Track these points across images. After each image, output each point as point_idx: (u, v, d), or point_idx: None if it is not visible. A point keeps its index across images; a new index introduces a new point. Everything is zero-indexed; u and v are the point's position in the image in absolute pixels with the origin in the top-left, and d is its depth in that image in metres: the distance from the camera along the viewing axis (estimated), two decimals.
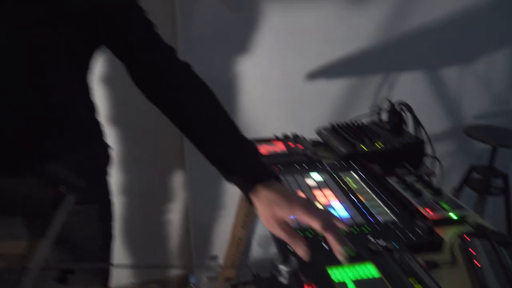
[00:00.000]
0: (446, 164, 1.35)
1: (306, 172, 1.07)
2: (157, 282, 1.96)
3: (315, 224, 0.65)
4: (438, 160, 1.24)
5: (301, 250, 0.65)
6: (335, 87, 1.76)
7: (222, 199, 1.83)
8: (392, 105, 1.29)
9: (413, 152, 1.20)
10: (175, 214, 1.87)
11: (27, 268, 0.62)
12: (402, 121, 1.24)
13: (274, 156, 1.16)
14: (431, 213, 0.89)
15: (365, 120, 1.41)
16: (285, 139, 1.28)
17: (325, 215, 0.68)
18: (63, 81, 0.81)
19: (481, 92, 1.98)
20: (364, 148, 1.18)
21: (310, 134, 1.41)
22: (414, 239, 0.80)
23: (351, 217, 0.87)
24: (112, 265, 1.04)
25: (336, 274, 0.68)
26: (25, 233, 0.84)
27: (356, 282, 0.66)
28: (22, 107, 0.76)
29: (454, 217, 0.89)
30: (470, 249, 0.80)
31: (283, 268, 0.65)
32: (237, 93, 1.66)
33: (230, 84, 1.64)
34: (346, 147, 1.19)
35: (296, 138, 1.28)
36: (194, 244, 1.90)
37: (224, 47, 1.58)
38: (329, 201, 0.94)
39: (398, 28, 1.75)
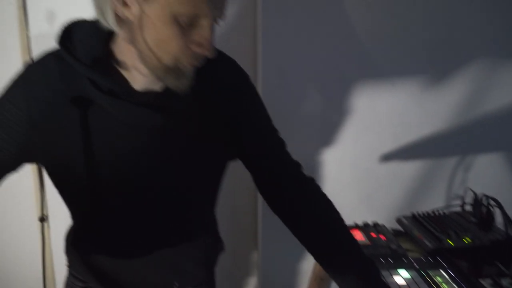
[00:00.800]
0: None
1: (392, 268, 1.05)
2: None
3: None
4: None
5: None
6: (410, 169, 1.74)
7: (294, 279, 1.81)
8: (476, 197, 1.26)
9: (504, 250, 1.14)
10: None
11: None
12: (490, 216, 1.20)
13: None
14: None
15: (447, 211, 1.38)
16: (365, 227, 1.27)
17: None
18: (201, 199, 0.93)
19: None
20: (451, 243, 1.15)
21: (383, 218, 1.39)
22: None
23: None
24: None
25: None
26: None
27: None
28: (160, 217, 0.87)
29: None
30: None
31: None
32: (308, 173, 1.69)
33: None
34: (431, 241, 1.16)
35: (377, 227, 1.27)
36: None
37: (298, 127, 1.64)
38: None
39: (475, 111, 1.74)
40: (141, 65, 0.72)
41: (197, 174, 0.86)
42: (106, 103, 0.74)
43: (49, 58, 0.78)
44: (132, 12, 0.68)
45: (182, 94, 0.75)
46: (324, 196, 0.92)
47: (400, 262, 1.09)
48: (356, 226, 1.29)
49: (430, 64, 1.66)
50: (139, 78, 0.76)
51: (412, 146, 1.73)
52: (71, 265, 0.99)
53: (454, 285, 0.99)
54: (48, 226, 1.60)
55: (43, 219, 1.58)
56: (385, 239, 1.20)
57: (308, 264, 1.72)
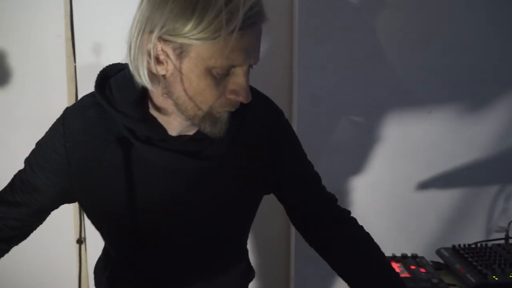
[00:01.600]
0: None
1: None
2: None
3: None
4: None
5: None
6: (447, 199, 1.70)
7: None
8: None
9: None
10: None
11: None
12: None
13: None
14: None
15: (490, 243, 1.33)
16: (404, 259, 1.24)
17: None
18: (236, 233, 0.95)
19: None
20: (496, 279, 1.10)
21: (420, 248, 1.35)
22: None
23: None
24: None
25: None
26: None
27: None
28: (197, 253, 0.89)
29: None
30: None
31: None
32: (342, 203, 1.67)
33: (334, 191, 1.67)
34: (475, 276, 1.11)
35: (416, 259, 1.24)
36: None
37: (333, 155, 1.63)
38: None
39: None
40: (177, 112, 0.74)
41: (234, 212, 0.87)
42: (142, 150, 0.77)
43: (87, 103, 0.81)
44: (166, 68, 0.69)
45: (216, 138, 0.76)
46: (361, 229, 0.93)
47: None
48: (395, 258, 1.26)
49: (467, 91, 1.64)
50: (175, 124, 0.78)
51: (449, 175, 1.69)
52: None
53: None
54: (85, 249, 1.63)
55: (80, 241, 1.62)
56: (425, 272, 1.16)
57: None
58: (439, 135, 1.65)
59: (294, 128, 1.56)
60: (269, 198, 0.95)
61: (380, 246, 1.27)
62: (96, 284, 1.01)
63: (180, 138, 0.80)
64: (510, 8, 1.59)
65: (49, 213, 0.91)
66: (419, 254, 1.27)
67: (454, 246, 1.30)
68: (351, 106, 1.60)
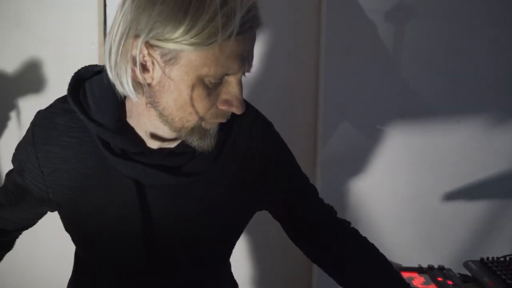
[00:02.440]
0: None
1: None
2: None
3: None
4: None
5: None
6: (474, 210, 1.67)
7: None
8: None
9: None
10: None
11: None
12: None
13: None
14: None
15: None
16: (430, 271, 1.23)
17: None
18: (222, 249, 0.88)
19: None
20: None
21: (446, 260, 1.33)
22: None
23: None
24: None
25: None
26: None
27: None
28: (184, 268, 0.82)
29: None
30: None
31: None
32: (366, 212, 1.67)
33: (358, 203, 1.67)
34: None
35: (443, 271, 1.23)
36: None
37: (357, 165, 1.63)
38: None
39: None
40: (160, 125, 0.68)
41: (217, 230, 0.80)
42: (117, 165, 0.70)
43: (57, 109, 0.74)
44: (152, 76, 0.63)
45: (204, 152, 0.70)
46: (365, 240, 0.88)
47: None
48: (421, 269, 1.25)
49: (495, 101, 1.62)
50: (155, 136, 0.71)
51: (476, 186, 1.67)
52: None
53: None
54: None
55: None
56: (452, 284, 1.15)
57: None
58: (466, 145, 1.63)
59: (319, 136, 1.59)
60: None
61: (405, 257, 1.27)
62: None
63: (160, 151, 0.72)
64: None
65: (40, 218, 0.87)
66: (446, 266, 1.26)
67: (482, 259, 1.28)
68: (377, 115, 1.60)
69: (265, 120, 0.83)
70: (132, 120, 0.71)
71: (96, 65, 0.75)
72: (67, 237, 0.81)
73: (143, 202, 0.73)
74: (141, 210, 0.73)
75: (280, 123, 0.87)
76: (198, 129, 0.66)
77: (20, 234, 0.91)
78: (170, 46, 0.59)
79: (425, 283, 1.17)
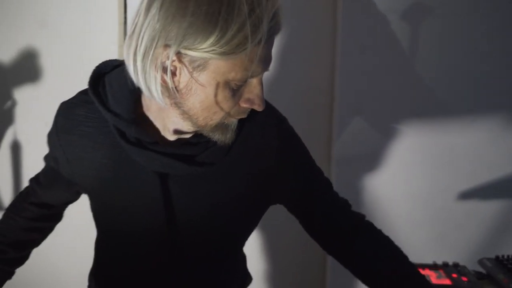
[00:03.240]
0: None
1: None
2: None
3: None
4: None
5: None
6: (488, 210, 1.67)
7: None
8: None
9: None
10: None
11: None
12: None
13: None
14: None
15: None
16: (445, 267, 1.24)
17: None
18: (237, 241, 0.91)
19: None
20: None
21: (460, 259, 1.33)
22: None
23: None
24: None
25: None
26: None
27: None
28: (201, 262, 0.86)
29: None
30: None
31: None
32: (380, 211, 1.67)
33: (372, 202, 1.68)
34: None
35: (457, 268, 1.24)
36: None
37: (371, 164, 1.65)
38: None
39: None
40: (180, 121, 0.70)
41: (229, 221, 0.83)
42: (132, 153, 0.73)
43: (77, 100, 0.79)
44: (179, 80, 0.65)
45: (212, 143, 0.73)
46: (380, 232, 0.89)
47: None
48: (435, 266, 1.26)
49: (510, 101, 1.62)
50: (172, 128, 0.74)
51: (490, 185, 1.66)
52: None
53: None
54: None
55: None
56: (467, 280, 1.16)
57: None
58: (481, 144, 1.63)
59: (334, 134, 1.61)
60: None
61: (419, 256, 1.27)
62: None
63: (175, 142, 0.76)
64: None
65: (77, 196, 0.93)
66: (461, 264, 1.27)
67: (497, 257, 1.29)
68: (391, 114, 1.61)
69: (278, 114, 0.85)
70: (150, 113, 0.75)
71: (116, 59, 0.79)
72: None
73: (162, 193, 0.76)
74: (159, 201, 0.76)
75: (295, 122, 0.88)
76: (220, 126, 0.70)
77: (66, 207, 0.98)
78: (200, 54, 0.61)
79: (439, 279, 1.18)
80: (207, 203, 0.79)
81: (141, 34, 0.63)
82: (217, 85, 0.64)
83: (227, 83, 0.65)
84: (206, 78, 0.64)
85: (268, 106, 0.82)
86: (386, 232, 1.65)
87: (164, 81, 0.65)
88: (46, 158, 0.89)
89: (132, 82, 0.69)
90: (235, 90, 0.66)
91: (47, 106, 1.57)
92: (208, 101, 0.66)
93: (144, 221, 0.79)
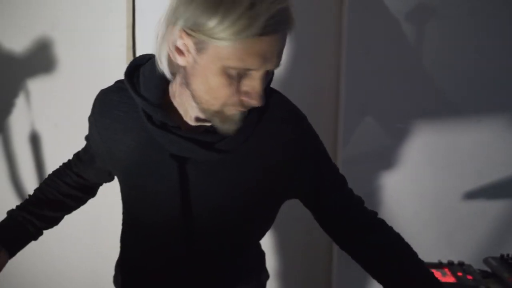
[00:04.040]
0: None
1: None
2: None
3: None
4: None
5: None
6: (494, 209, 1.67)
7: None
8: None
9: None
10: None
11: None
12: None
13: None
14: None
15: None
16: (450, 266, 1.25)
17: None
18: (253, 235, 0.95)
19: None
20: None
21: (466, 258, 1.34)
22: None
23: None
24: None
25: None
26: None
27: None
28: (221, 252, 0.89)
29: None
30: None
31: None
32: (387, 211, 1.68)
33: (379, 202, 1.68)
34: None
35: (463, 266, 1.24)
36: None
37: (378, 164, 1.65)
38: None
39: None
40: (194, 104, 0.76)
41: (244, 211, 0.85)
42: (157, 136, 0.79)
43: (114, 87, 0.87)
44: (187, 60, 0.70)
45: (231, 134, 0.76)
46: (391, 229, 0.91)
47: None
48: (441, 264, 1.26)
49: None
50: (192, 114, 0.79)
51: (496, 185, 1.66)
52: None
53: None
54: None
55: None
56: (472, 278, 1.17)
57: None
58: (487, 144, 1.63)
59: (340, 138, 1.62)
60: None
61: (425, 255, 1.27)
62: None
63: (196, 128, 0.81)
64: None
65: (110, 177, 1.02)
66: (466, 263, 1.27)
67: (502, 256, 1.29)
68: (398, 114, 1.62)
69: (299, 112, 0.88)
70: (175, 101, 0.81)
71: (152, 54, 0.83)
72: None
73: (181, 177, 0.81)
74: (176, 185, 0.81)
75: None
76: (220, 114, 0.73)
77: (101, 185, 1.07)
78: (201, 36, 0.66)
79: (445, 277, 1.18)
80: (222, 191, 0.82)
81: (165, 13, 0.71)
82: (216, 70, 0.68)
83: (224, 70, 0.68)
84: (206, 61, 0.68)
85: (289, 103, 0.87)
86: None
87: (173, 57, 0.71)
88: (86, 138, 0.98)
89: (161, 72, 0.76)
90: (233, 79, 0.69)
91: (59, 105, 1.62)
92: (207, 84, 0.70)
93: (162, 206, 0.84)
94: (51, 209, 0.98)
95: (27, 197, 1.01)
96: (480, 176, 1.65)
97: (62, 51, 1.60)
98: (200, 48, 0.67)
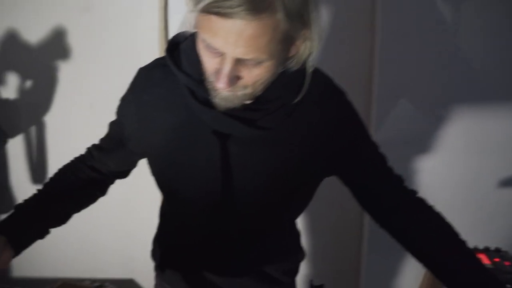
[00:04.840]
0: None
1: None
2: None
3: None
4: None
5: None
6: None
7: None
8: None
9: None
10: None
11: None
12: None
13: None
14: None
15: None
16: (487, 251, 1.22)
17: None
18: (292, 212, 0.95)
19: None
20: None
21: (502, 244, 1.31)
22: None
23: None
24: None
25: None
26: None
27: None
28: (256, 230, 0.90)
29: None
30: None
31: None
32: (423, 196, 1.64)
33: (414, 188, 1.65)
34: None
35: (500, 253, 1.22)
36: None
37: (411, 150, 1.62)
38: None
39: None
40: None
41: (285, 187, 0.85)
42: (200, 112, 0.78)
43: (155, 64, 0.86)
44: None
45: (271, 110, 0.77)
46: (432, 208, 0.90)
47: None
48: (476, 250, 1.24)
49: None
50: None
51: None
52: (164, 278, 1.01)
53: None
54: None
55: None
56: (509, 264, 1.14)
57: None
58: None
59: (373, 122, 1.59)
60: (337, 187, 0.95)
61: None
62: (158, 262, 1.04)
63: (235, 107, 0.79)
64: None
65: (129, 167, 0.99)
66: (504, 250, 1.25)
67: None
68: (432, 101, 1.58)
69: (339, 87, 0.87)
70: None
71: (190, 31, 0.83)
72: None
73: (223, 153, 0.81)
74: (217, 161, 0.81)
75: None
76: (211, 86, 0.74)
77: (113, 183, 1.02)
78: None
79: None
80: (264, 167, 0.82)
81: None
82: (201, 45, 0.71)
83: (201, 40, 0.70)
84: (198, 37, 0.72)
85: (329, 79, 0.87)
86: None
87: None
88: (112, 124, 0.95)
89: None
90: (212, 53, 0.70)
91: (89, 86, 1.64)
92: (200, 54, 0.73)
93: (202, 182, 0.84)
94: (59, 206, 0.93)
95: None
96: None
97: (95, 33, 1.62)
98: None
